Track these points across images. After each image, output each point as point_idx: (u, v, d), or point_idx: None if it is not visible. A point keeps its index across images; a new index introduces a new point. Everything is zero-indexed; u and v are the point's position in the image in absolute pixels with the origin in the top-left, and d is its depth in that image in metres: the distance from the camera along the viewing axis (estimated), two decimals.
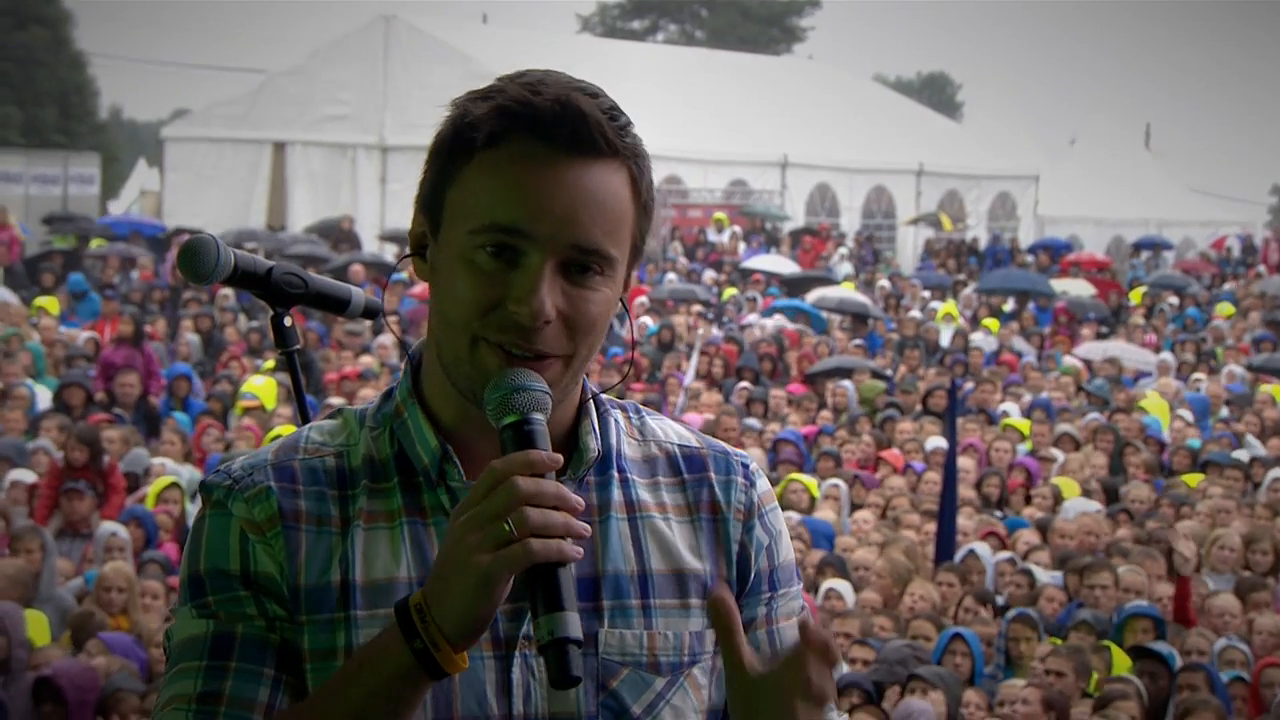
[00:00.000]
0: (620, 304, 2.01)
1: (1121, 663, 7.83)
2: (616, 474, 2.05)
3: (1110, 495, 12.40)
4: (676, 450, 2.10)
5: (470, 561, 1.77)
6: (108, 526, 9.62)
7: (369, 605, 1.93)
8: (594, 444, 2.03)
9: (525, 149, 1.89)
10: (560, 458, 1.82)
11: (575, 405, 2.04)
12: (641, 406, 2.15)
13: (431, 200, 1.97)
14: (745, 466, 2.11)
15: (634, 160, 1.95)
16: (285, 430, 12.35)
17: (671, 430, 2.13)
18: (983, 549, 10.12)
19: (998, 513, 11.76)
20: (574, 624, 1.78)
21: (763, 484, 2.13)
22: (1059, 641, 8.14)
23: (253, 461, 2.01)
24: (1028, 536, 10.59)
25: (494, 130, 1.90)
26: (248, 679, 1.91)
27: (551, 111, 1.89)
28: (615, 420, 2.10)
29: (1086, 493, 12.23)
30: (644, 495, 2.05)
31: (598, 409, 2.08)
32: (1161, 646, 7.83)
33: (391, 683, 1.81)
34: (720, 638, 1.85)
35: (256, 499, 1.96)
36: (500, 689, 1.94)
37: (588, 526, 1.80)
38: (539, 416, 1.86)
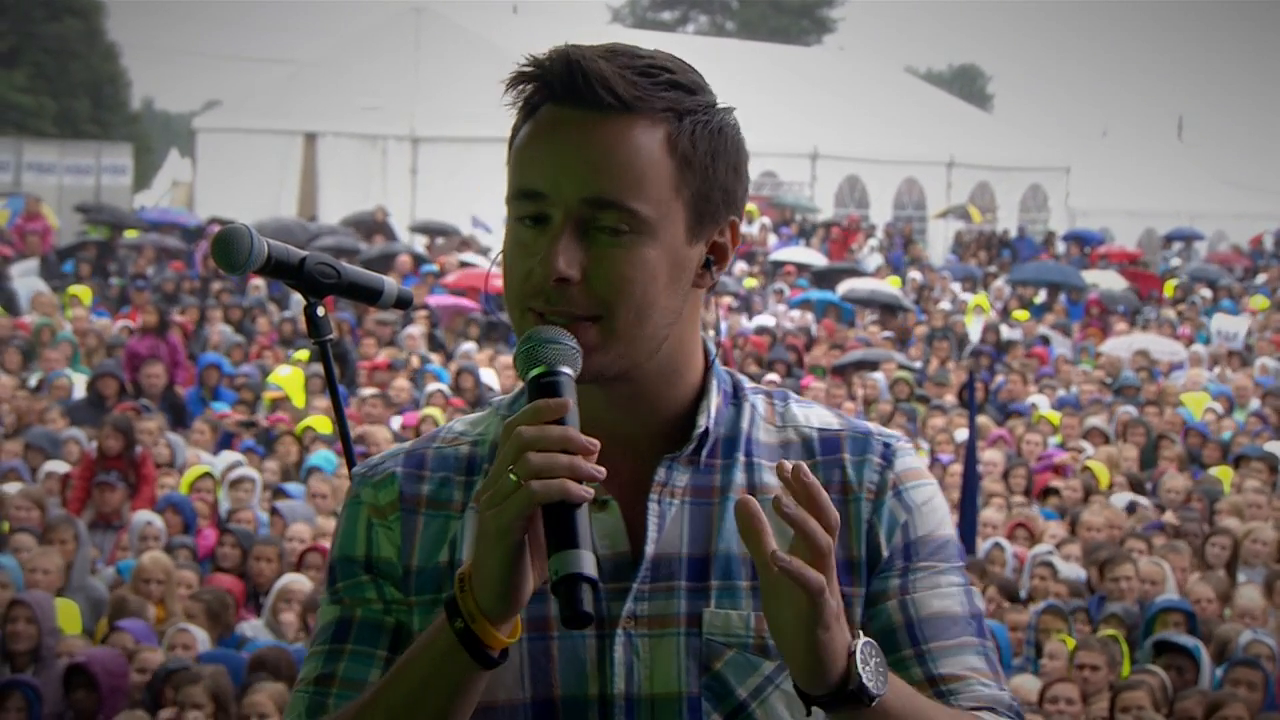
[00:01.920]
0: (710, 275, 1.97)
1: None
2: (743, 458, 2.00)
3: (1137, 488, 12.34)
4: (814, 434, 2.04)
5: (484, 519, 1.77)
6: (143, 515, 9.67)
7: None
8: (704, 422, 1.98)
9: (547, 116, 1.90)
10: (568, 403, 1.78)
11: (694, 385, 2.00)
12: (791, 394, 2.11)
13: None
14: (886, 445, 2.04)
15: (670, 115, 1.90)
16: (317, 420, 12.40)
17: (815, 415, 2.07)
18: (1005, 542, 10.07)
19: (1035, 505, 11.71)
20: (585, 561, 1.73)
21: (904, 461, 2.03)
22: (1070, 640, 8.09)
23: (392, 451, 2.06)
24: (1054, 529, 10.55)
25: (528, 102, 1.93)
26: (360, 661, 1.96)
27: (552, 69, 1.90)
28: (753, 405, 2.05)
29: (1113, 485, 12.19)
30: (768, 479, 1.99)
31: (736, 394, 2.05)
32: (1187, 640, 7.79)
33: (440, 665, 1.81)
34: (745, 539, 1.75)
35: (382, 484, 2.01)
36: (601, 667, 1.93)
37: (600, 470, 1.76)
38: (565, 369, 1.84)
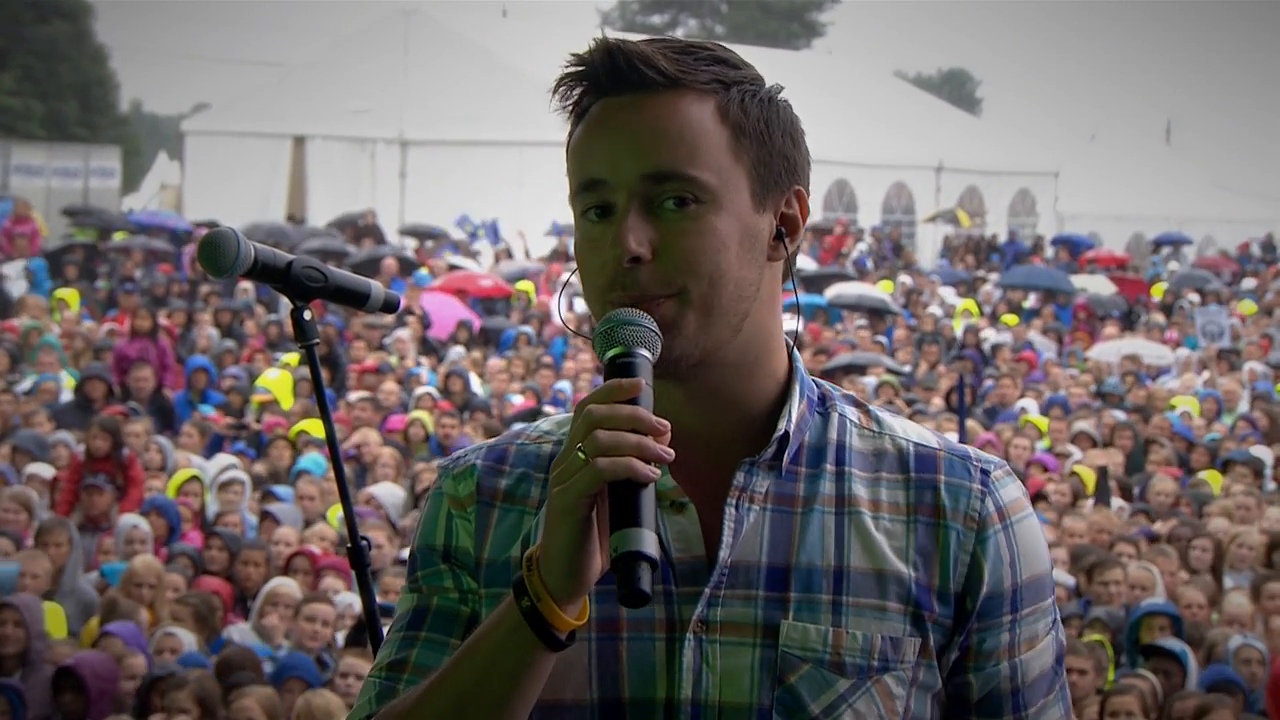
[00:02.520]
0: (784, 245, 1.97)
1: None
2: (831, 467, 1.97)
3: (1125, 492, 12.36)
4: (910, 447, 2.00)
5: (552, 496, 1.77)
6: (128, 519, 9.64)
7: None
8: (784, 425, 1.94)
9: (597, 110, 1.92)
10: (640, 383, 1.78)
11: (776, 386, 1.98)
12: (886, 408, 2.09)
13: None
14: (985, 473, 1.98)
15: (718, 86, 1.92)
16: (310, 424, 12.39)
17: (912, 429, 2.03)
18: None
19: None
20: (647, 540, 1.72)
21: (1008, 492, 1.98)
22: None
23: (478, 445, 2.08)
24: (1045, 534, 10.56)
25: (579, 106, 1.94)
26: (433, 648, 1.97)
27: (594, 60, 1.91)
28: (843, 414, 2.02)
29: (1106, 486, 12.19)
30: (859, 490, 1.96)
31: (823, 403, 2.02)
32: (1174, 644, 7.79)
33: (506, 645, 1.80)
34: None
35: (462, 476, 2.03)
36: (670, 671, 1.90)
37: (669, 451, 1.75)
38: (643, 351, 1.83)
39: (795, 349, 2.02)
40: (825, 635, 1.91)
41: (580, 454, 1.74)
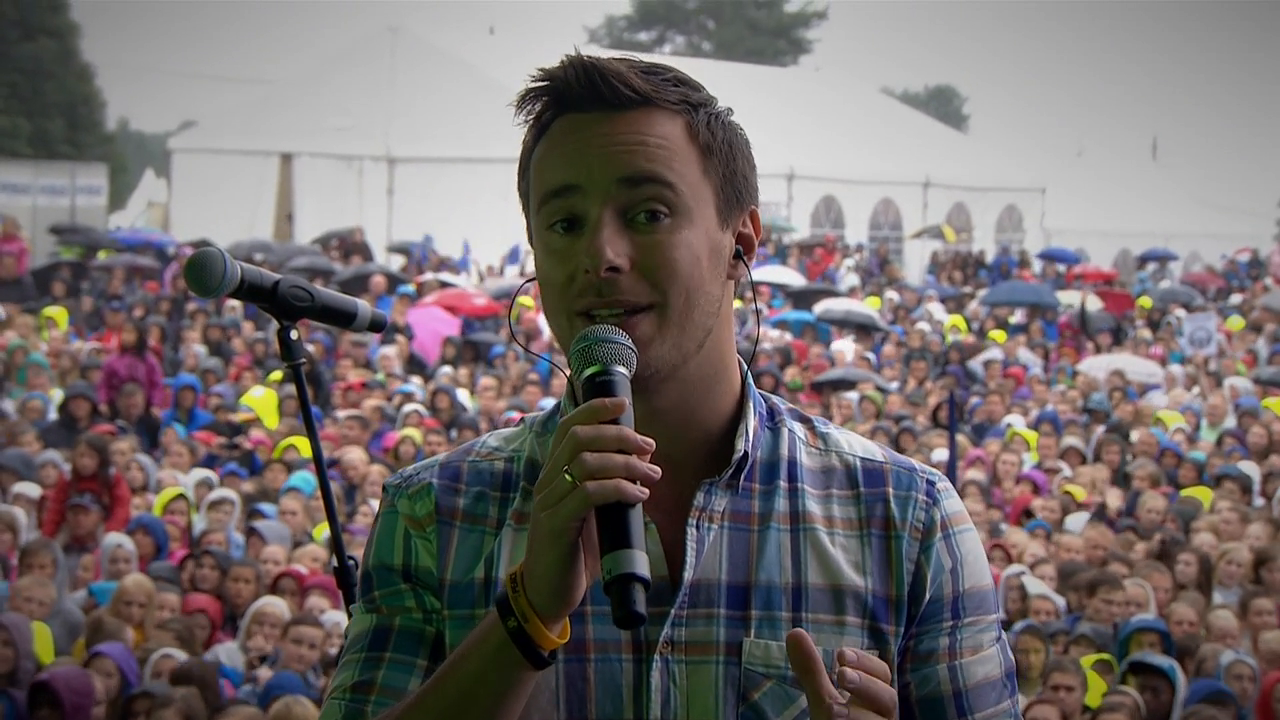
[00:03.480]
0: (743, 264, 1.98)
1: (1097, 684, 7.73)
2: (785, 484, 2.00)
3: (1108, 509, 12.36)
4: (858, 462, 2.03)
5: (539, 519, 1.76)
6: (113, 538, 9.60)
7: None
8: (743, 446, 1.97)
9: (565, 123, 1.93)
10: (624, 402, 1.78)
11: (730, 404, 2.00)
12: (829, 421, 2.10)
13: (525, 218, 2.01)
14: (930, 484, 2.03)
15: (685, 107, 1.94)
16: (300, 441, 12.36)
17: (858, 444, 2.07)
18: None
19: (1003, 525, 11.73)
20: (638, 561, 1.72)
21: (950, 504, 2.03)
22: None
23: (426, 463, 2.08)
24: (1034, 549, 10.54)
25: (540, 121, 1.96)
26: (400, 669, 1.96)
27: (567, 77, 1.92)
28: (791, 430, 2.04)
29: (1085, 505, 12.20)
30: (812, 507, 1.99)
31: (772, 418, 2.04)
32: (1163, 660, 7.79)
33: (491, 664, 1.81)
34: (799, 674, 1.76)
35: (418, 495, 2.02)
36: (638, 692, 1.92)
37: (655, 469, 1.75)
38: (620, 369, 1.83)
39: (747, 365, 2.04)
40: (786, 652, 1.91)
41: (568, 476, 1.74)
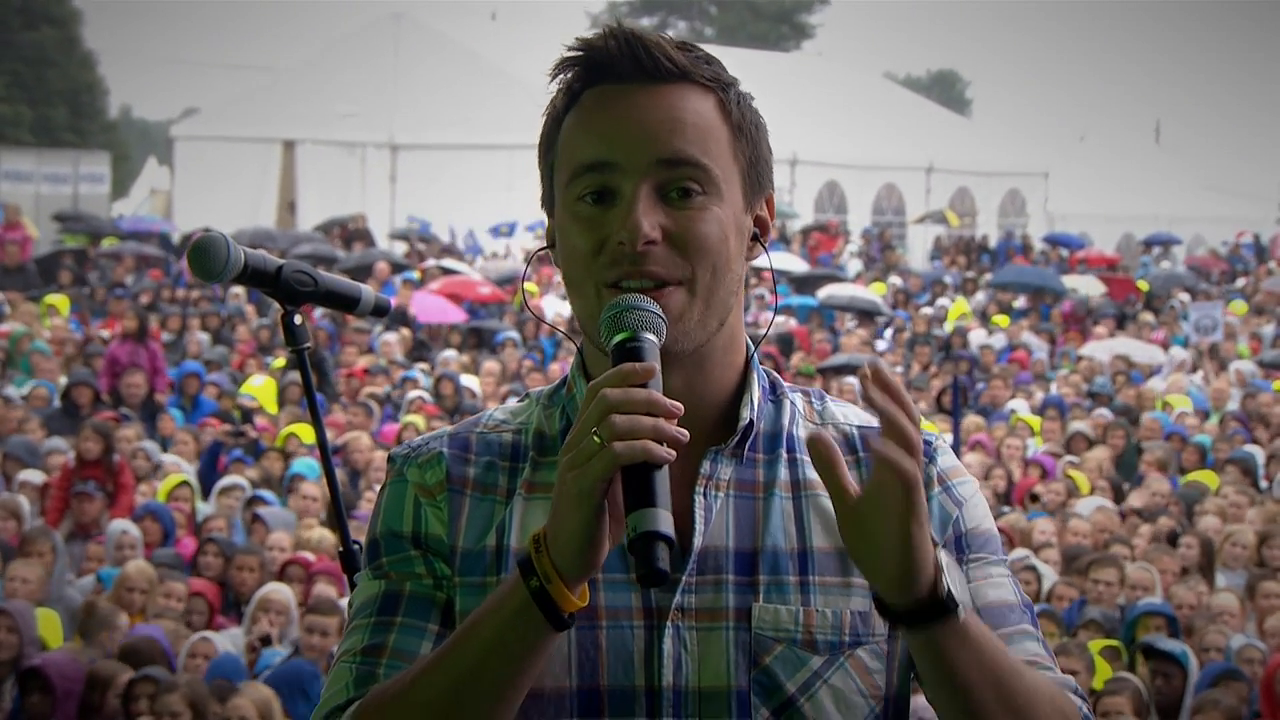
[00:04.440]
0: (760, 245, 2.00)
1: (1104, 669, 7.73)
2: (785, 454, 2.03)
3: (1117, 493, 12.36)
4: (854, 430, 2.07)
5: (565, 480, 1.77)
6: (118, 525, 9.62)
7: None
8: (748, 414, 2.00)
9: (596, 95, 1.94)
10: (654, 367, 1.79)
11: (736, 376, 2.03)
12: (826, 394, 2.13)
13: (545, 183, 2.00)
14: (926, 443, 2.03)
15: (717, 84, 1.95)
16: (301, 428, 12.36)
17: (853, 414, 2.10)
18: None
19: (1005, 508, 11.73)
20: (662, 520, 1.73)
21: (945, 459, 2.06)
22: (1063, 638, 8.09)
23: (433, 434, 2.08)
24: (1042, 527, 10.52)
25: (570, 90, 1.95)
26: (411, 633, 1.96)
27: (608, 48, 1.93)
28: (793, 403, 2.08)
29: (1094, 489, 12.19)
30: (813, 475, 2.00)
31: (775, 391, 2.07)
32: (1174, 645, 7.78)
33: (512, 624, 1.80)
34: (821, 473, 1.77)
35: (429, 464, 2.02)
36: (649, 659, 1.93)
37: (684, 432, 1.76)
38: (649, 336, 1.85)
39: (751, 340, 2.06)
40: (796, 615, 1.95)
41: (595, 438, 1.74)
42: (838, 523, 1.79)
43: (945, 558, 1.78)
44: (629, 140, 1.90)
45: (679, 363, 1.93)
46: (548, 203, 2.01)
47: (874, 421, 2.06)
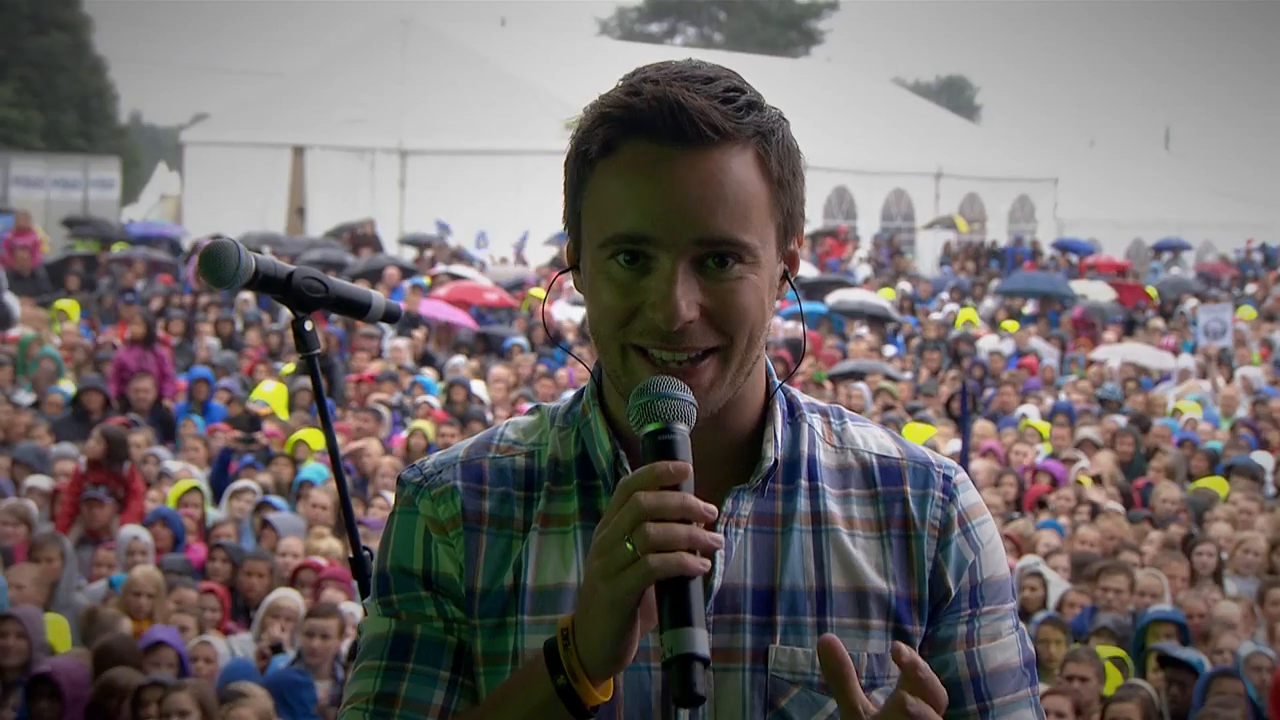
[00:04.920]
0: (788, 282, 1.97)
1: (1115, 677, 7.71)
2: (805, 483, 1.99)
3: (1127, 499, 12.34)
4: (874, 460, 2.02)
5: (597, 588, 1.74)
6: (129, 530, 9.62)
7: (536, 611, 1.93)
8: (772, 453, 1.97)
9: (636, 153, 1.86)
10: (688, 467, 1.76)
11: (759, 408, 1.99)
12: (846, 411, 2.09)
13: (570, 216, 1.96)
14: (947, 479, 2.02)
15: (758, 138, 1.89)
16: (310, 434, 12.37)
17: (873, 438, 2.05)
18: None
19: (1014, 514, 11.72)
20: (699, 640, 1.71)
21: (967, 497, 2.02)
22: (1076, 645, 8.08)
23: (444, 459, 2.02)
24: (1046, 538, 10.52)
25: (606, 139, 1.88)
26: (423, 681, 1.94)
27: (650, 110, 1.85)
28: (811, 426, 2.04)
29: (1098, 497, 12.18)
30: (833, 507, 1.98)
31: (793, 414, 2.03)
32: (1190, 654, 7.75)
33: (537, 714, 1.81)
34: (831, 683, 1.76)
35: (441, 498, 1.98)
36: (665, 701, 1.91)
37: (718, 537, 1.74)
38: (682, 427, 1.81)
39: (771, 365, 2.02)
40: (812, 658, 1.92)
41: (629, 546, 1.72)
42: None
43: None
44: (668, 216, 1.84)
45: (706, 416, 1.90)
46: (573, 230, 1.96)
47: (893, 450, 2.03)
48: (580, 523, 1.96)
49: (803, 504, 1.98)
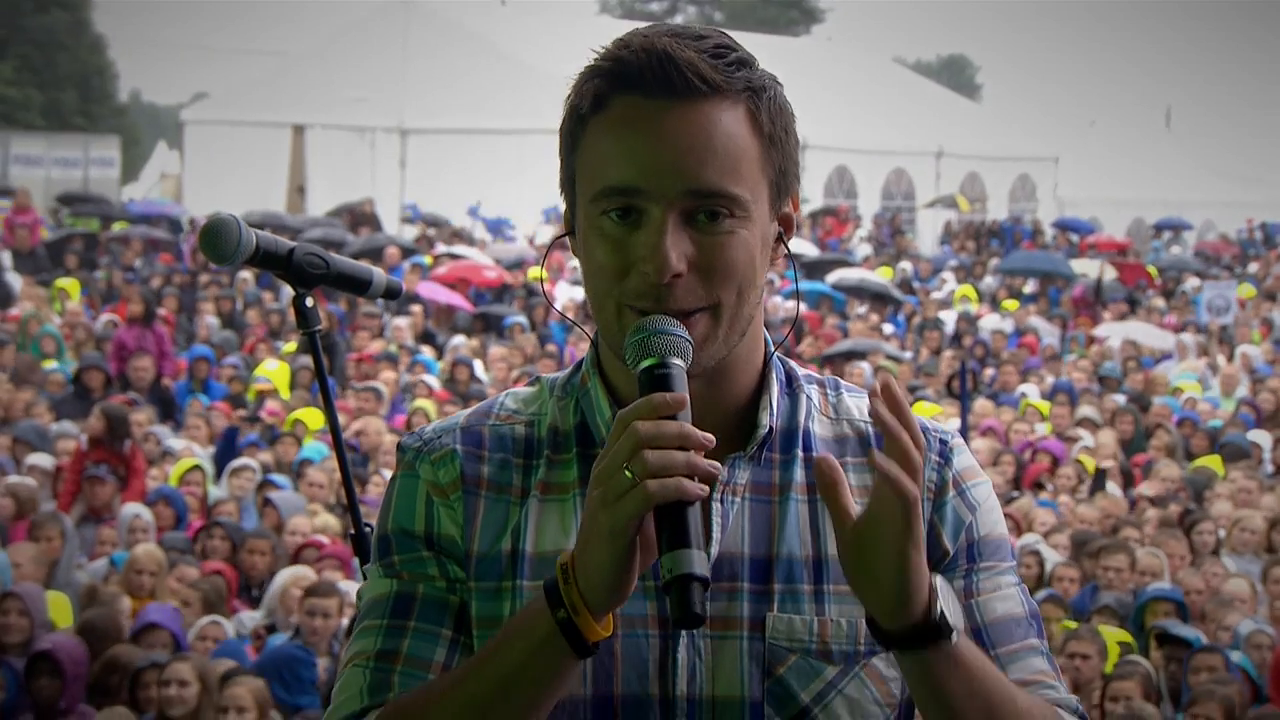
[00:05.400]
0: (783, 245, 1.97)
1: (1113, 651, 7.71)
2: (802, 453, 2.00)
3: (1127, 478, 12.36)
4: (869, 429, 2.03)
5: (597, 516, 1.74)
6: (131, 508, 9.64)
7: (535, 576, 1.94)
8: (767, 420, 1.98)
9: (627, 107, 1.87)
10: (685, 398, 1.76)
11: (755, 377, 2.00)
12: (843, 382, 2.10)
13: (565, 180, 1.96)
14: (943, 442, 2.03)
15: (749, 94, 1.90)
16: (308, 413, 12.38)
17: (867, 407, 2.05)
18: None
19: (1014, 493, 11.73)
20: (698, 560, 1.71)
21: (962, 459, 2.03)
22: (1072, 625, 8.09)
23: (444, 425, 2.04)
24: (1044, 517, 10.53)
25: (596, 94, 1.89)
26: (425, 639, 1.94)
27: (639, 62, 1.86)
28: (809, 397, 2.04)
29: (1102, 473, 12.19)
30: None
31: (790, 385, 2.04)
32: (1188, 631, 7.77)
33: (537, 652, 1.79)
34: (823, 496, 1.75)
35: (442, 462, 1.99)
36: (663, 668, 1.92)
37: (716, 465, 1.74)
38: (677, 361, 1.82)
39: (784, 338, 2.05)
40: (810, 625, 1.94)
41: (627, 473, 1.72)
42: (837, 546, 1.77)
43: (940, 582, 1.77)
44: (658, 167, 1.84)
45: (700, 374, 1.91)
46: (568, 193, 1.97)
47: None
48: (579, 490, 1.96)
49: (799, 474, 1.99)
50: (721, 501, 1.95)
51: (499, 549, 1.96)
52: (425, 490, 1.99)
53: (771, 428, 1.98)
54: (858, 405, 2.06)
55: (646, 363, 1.82)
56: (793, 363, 2.08)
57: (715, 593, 1.91)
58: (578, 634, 1.77)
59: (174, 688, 6.50)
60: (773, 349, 2.02)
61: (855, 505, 1.75)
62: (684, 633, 1.91)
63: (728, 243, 1.87)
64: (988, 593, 1.99)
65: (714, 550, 1.93)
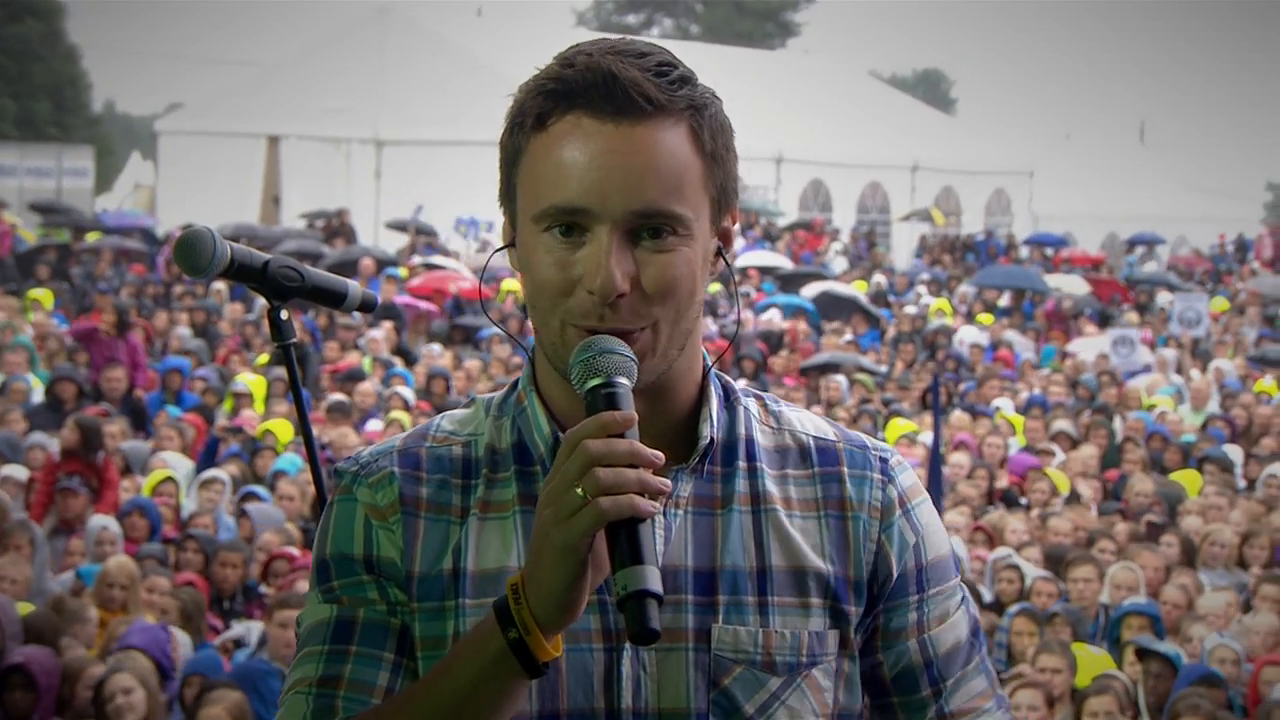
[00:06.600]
0: (722, 259, 1.99)
1: (1094, 665, 7.71)
2: (744, 464, 2.01)
3: (1103, 491, 12.38)
4: (810, 441, 2.05)
5: (548, 535, 1.75)
6: (98, 520, 9.58)
7: (478, 594, 1.93)
8: (709, 431, 1.98)
9: (571, 125, 1.88)
10: (634, 416, 1.78)
11: (694, 390, 2.01)
12: (781, 399, 2.10)
13: (505, 193, 1.98)
14: (884, 461, 2.04)
15: (690, 112, 1.90)
16: (278, 424, 12.34)
17: (809, 422, 2.07)
18: (960, 545, 9.94)
19: (988, 507, 11.75)
20: (652, 577, 1.73)
21: (905, 478, 2.05)
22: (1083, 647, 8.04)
23: (381, 449, 2.03)
24: (1014, 525, 10.52)
25: (540, 111, 1.90)
26: (367, 663, 1.93)
27: (583, 81, 1.87)
28: (747, 409, 2.05)
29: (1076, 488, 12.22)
30: (771, 487, 2.00)
31: (729, 398, 2.05)
32: (1168, 647, 7.78)
33: (488, 673, 1.79)
34: None
35: (380, 484, 1.98)
36: (609, 682, 1.92)
37: (666, 481, 1.76)
38: (623, 380, 1.83)
39: (705, 351, 2.04)
40: (755, 636, 1.95)
41: (579, 491, 1.73)
42: None
43: None
44: (603, 188, 1.85)
45: (643, 390, 1.91)
46: (507, 206, 1.98)
47: (829, 433, 2.06)
48: (519, 508, 1.96)
49: (741, 485, 1.99)
50: (664, 514, 1.95)
51: (440, 569, 1.95)
52: (363, 514, 1.97)
53: (713, 439, 1.99)
54: (798, 417, 2.07)
55: (593, 382, 1.83)
56: (727, 378, 2.09)
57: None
58: (528, 654, 1.77)
59: (119, 698, 6.45)
60: (709, 362, 2.03)
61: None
62: (629, 646, 1.91)
63: (670, 261, 1.88)
64: (937, 624, 2.03)
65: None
